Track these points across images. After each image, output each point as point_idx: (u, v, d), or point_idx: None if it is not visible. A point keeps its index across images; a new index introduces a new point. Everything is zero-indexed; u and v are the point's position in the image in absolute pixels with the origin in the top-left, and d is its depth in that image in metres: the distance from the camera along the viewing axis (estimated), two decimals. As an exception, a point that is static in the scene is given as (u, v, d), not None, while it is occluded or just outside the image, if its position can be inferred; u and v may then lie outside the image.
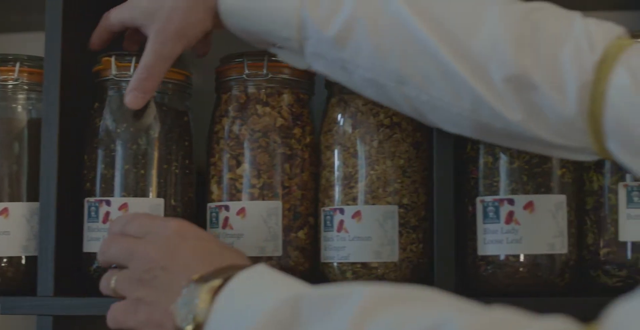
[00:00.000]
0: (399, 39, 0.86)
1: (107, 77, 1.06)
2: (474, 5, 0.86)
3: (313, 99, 1.10)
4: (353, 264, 1.02)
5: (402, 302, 0.68)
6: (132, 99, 1.01)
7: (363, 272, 1.02)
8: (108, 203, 1.03)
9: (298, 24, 0.90)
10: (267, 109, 1.06)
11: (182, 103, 1.09)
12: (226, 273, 0.79)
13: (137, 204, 1.03)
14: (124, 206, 1.02)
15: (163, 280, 0.82)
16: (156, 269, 0.82)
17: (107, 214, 1.03)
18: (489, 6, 0.86)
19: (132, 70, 1.04)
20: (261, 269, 0.79)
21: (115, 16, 1.03)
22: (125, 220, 0.90)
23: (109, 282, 0.87)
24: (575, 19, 0.84)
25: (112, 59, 1.05)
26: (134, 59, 1.04)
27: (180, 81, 1.08)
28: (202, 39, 1.03)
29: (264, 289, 0.76)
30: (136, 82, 1.00)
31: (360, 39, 0.88)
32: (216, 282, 0.78)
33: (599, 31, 0.83)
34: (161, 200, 1.04)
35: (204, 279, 0.78)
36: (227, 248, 0.87)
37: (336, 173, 1.04)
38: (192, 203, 1.09)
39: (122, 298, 0.85)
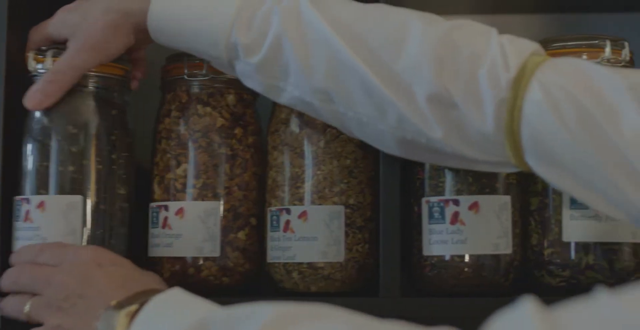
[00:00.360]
0: (323, 58, 0.88)
1: (34, 73, 1.03)
2: (396, 25, 0.88)
3: (259, 100, 1.10)
4: (299, 264, 1.02)
5: (303, 320, 0.68)
6: (29, 99, 0.99)
7: (309, 272, 1.01)
8: (28, 201, 1.00)
9: (227, 46, 0.92)
10: (208, 109, 1.06)
11: (119, 97, 1.05)
12: (142, 298, 0.82)
13: (53, 202, 0.99)
14: (41, 205, 0.99)
15: (81, 307, 0.85)
16: (74, 297, 0.85)
17: (27, 212, 1.00)
18: (411, 26, 0.87)
19: (48, 64, 1.01)
20: (175, 292, 0.82)
21: (41, 32, 1.03)
22: (36, 249, 0.92)
23: (22, 307, 0.89)
24: (491, 37, 0.86)
25: (31, 54, 1.03)
26: (49, 53, 1.02)
27: (119, 76, 1.05)
28: (134, 66, 1.06)
29: (176, 313, 0.79)
30: (41, 84, 0.99)
31: (287, 58, 0.90)
32: (133, 307, 0.81)
33: (513, 49, 0.85)
34: (79, 197, 1.00)
35: (121, 305, 0.82)
36: (143, 272, 0.91)
37: (283, 173, 1.04)
38: (123, 200, 1.04)
39: (37, 323, 0.88)
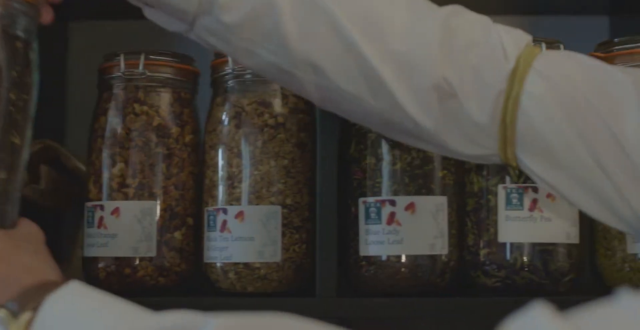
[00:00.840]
0: (319, 32, 0.83)
1: None
2: (402, 6, 0.84)
3: (197, 98, 1.09)
4: (236, 264, 1.01)
5: None
6: None
7: (246, 272, 1.01)
8: None
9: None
10: (145, 108, 1.05)
11: (26, 29, 0.89)
12: (34, 301, 0.68)
13: None
14: None
15: None
16: None
17: None
18: (417, 9, 0.84)
19: None
20: (73, 290, 0.69)
21: None
22: None
23: None
24: (489, 26, 0.84)
25: None
26: None
27: (28, 4, 0.89)
28: None
29: (84, 324, 0.66)
30: None
31: (274, 25, 0.83)
32: (27, 316, 0.68)
33: (510, 39, 0.83)
34: None
35: (12, 314, 0.69)
36: (23, 247, 0.75)
37: (220, 173, 1.03)
38: (15, 150, 0.87)
39: None
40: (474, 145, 0.85)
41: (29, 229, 0.82)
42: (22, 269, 0.72)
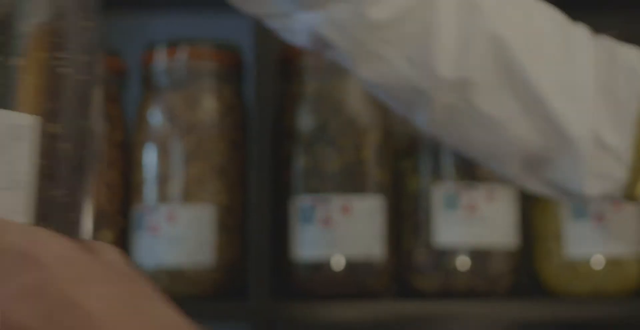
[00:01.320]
0: (478, 43, 0.70)
1: None
2: (548, 18, 0.74)
3: (126, 94, 1.07)
4: (167, 266, 0.98)
5: None
6: None
7: (177, 274, 0.98)
8: None
9: None
10: (71, 104, 1.02)
11: None
12: None
13: None
14: None
15: None
16: None
17: None
18: (559, 22, 0.74)
19: None
20: None
21: None
22: None
23: None
24: (609, 43, 0.75)
25: None
26: None
27: None
28: None
29: None
30: None
31: (421, 29, 0.69)
32: None
33: (632, 54, 0.75)
34: None
35: None
36: (146, 297, 0.43)
37: (149, 171, 1.01)
38: None
39: None
40: (599, 179, 0.74)
41: (114, 257, 0.45)
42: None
